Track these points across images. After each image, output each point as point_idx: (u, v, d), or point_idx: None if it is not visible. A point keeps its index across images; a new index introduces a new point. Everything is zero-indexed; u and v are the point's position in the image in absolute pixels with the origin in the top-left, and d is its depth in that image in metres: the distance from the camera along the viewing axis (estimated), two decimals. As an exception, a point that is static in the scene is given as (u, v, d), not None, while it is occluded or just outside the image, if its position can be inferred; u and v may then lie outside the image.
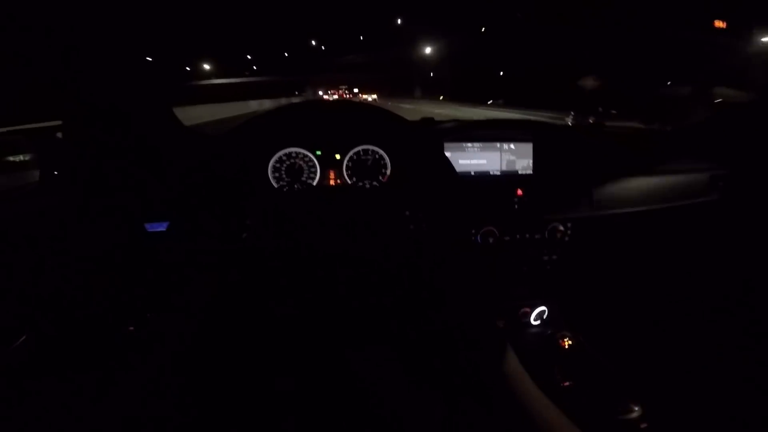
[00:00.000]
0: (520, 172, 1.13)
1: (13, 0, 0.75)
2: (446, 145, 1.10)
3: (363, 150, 1.07)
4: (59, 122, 0.95)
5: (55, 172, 0.97)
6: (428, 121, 1.25)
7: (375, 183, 1.06)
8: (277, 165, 1.04)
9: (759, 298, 1.08)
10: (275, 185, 1.04)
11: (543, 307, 1.14)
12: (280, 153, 1.04)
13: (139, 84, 1.02)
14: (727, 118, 1.33)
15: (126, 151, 0.98)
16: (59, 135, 0.97)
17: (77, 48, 0.86)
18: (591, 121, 1.45)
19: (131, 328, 0.89)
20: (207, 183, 0.96)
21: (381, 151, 1.08)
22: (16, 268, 0.75)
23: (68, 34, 0.85)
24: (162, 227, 0.96)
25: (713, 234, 1.18)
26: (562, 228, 1.08)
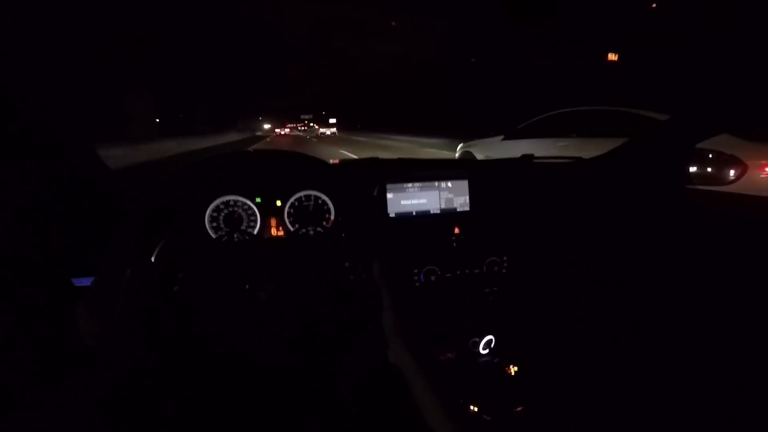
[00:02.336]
0: (458, 210, 1.19)
1: None
2: (388, 186, 1.14)
3: (305, 196, 1.08)
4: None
5: None
6: (373, 162, 1.29)
7: (319, 229, 1.07)
8: (215, 214, 1.02)
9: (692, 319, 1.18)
10: (213, 235, 1.01)
11: (490, 336, 1.18)
12: (218, 201, 1.02)
13: (64, 117, 0.96)
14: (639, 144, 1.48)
15: (51, 197, 0.91)
16: None
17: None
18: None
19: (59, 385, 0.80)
20: (137, 233, 0.91)
21: (323, 197, 1.09)
22: None
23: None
24: (87, 282, 0.89)
25: (646, 256, 1.29)
26: (499, 261, 1.15)
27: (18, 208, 0.87)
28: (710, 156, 2.67)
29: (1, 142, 0.84)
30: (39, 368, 0.78)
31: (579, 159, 1.51)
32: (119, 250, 0.89)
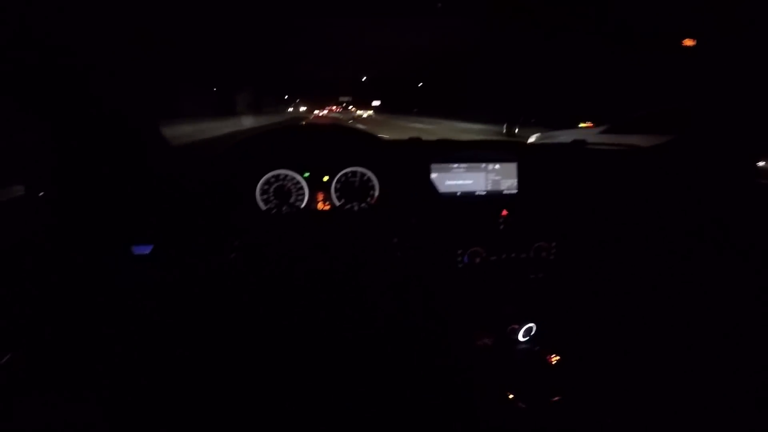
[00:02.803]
0: (504, 192, 1.16)
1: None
2: (433, 166, 1.12)
3: (351, 172, 1.09)
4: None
5: (41, 193, 0.96)
6: (416, 142, 1.28)
7: (363, 205, 1.08)
8: (266, 187, 1.05)
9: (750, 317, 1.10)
10: (263, 207, 1.05)
11: (531, 324, 1.16)
12: (269, 175, 1.05)
13: (132, 98, 1.02)
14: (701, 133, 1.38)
15: (114, 171, 0.98)
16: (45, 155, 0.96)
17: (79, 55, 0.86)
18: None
19: (118, 349, 0.88)
20: (195, 205, 0.96)
21: (369, 173, 1.09)
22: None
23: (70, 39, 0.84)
24: (147, 250, 0.95)
25: (701, 250, 1.21)
26: (547, 247, 1.11)
27: (86, 180, 0.94)
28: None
29: (74, 120, 0.91)
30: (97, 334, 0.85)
31: (637, 147, 1.42)
32: (179, 220, 0.95)
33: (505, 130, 12.61)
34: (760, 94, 1.37)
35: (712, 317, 1.15)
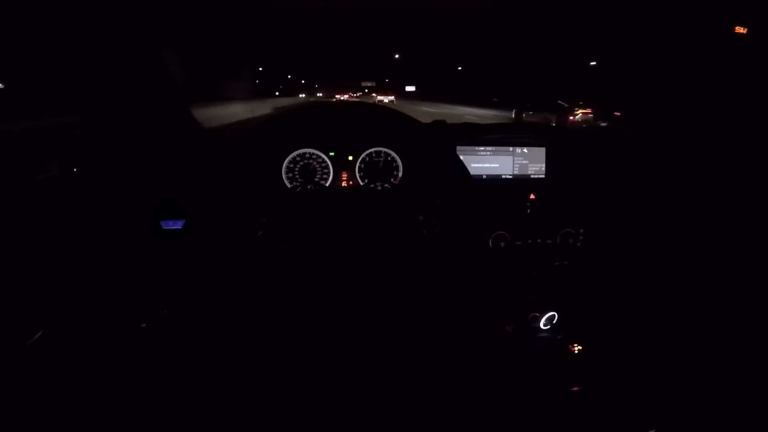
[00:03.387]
0: (532, 176, 1.12)
1: None
2: (458, 148, 1.10)
3: (375, 152, 1.08)
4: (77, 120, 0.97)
5: (75, 170, 0.99)
6: (440, 124, 1.25)
7: (386, 185, 1.07)
8: (291, 165, 1.06)
9: None
10: (288, 185, 1.05)
11: (553, 312, 1.14)
12: (294, 154, 1.06)
13: (166, 79, 1.03)
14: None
15: (146, 149, 1.00)
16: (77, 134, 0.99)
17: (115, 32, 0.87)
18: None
19: (143, 324, 0.91)
20: (224, 182, 0.97)
21: (393, 153, 1.08)
22: (33, 263, 0.77)
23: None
24: (178, 225, 0.97)
25: (731, 240, 1.16)
26: (574, 233, 1.08)
27: (118, 158, 0.96)
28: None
29: (112, 98, 0.92)
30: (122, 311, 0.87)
31: (673, 140, 1.36)
32: (209, 196, 0.96)
33: (514, 116, 13.00)
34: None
35: (739, 310, 1.11)
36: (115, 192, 0.96)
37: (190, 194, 0.97)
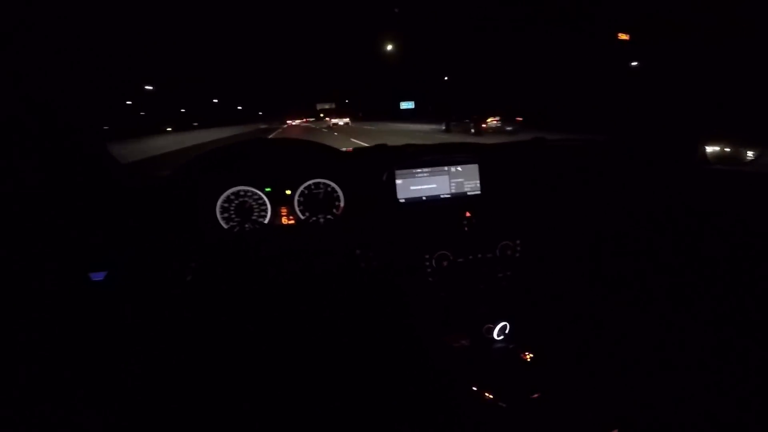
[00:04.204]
0: (469, 194, 1.17)
1: None
2: (397, 172, 1.12)
3: (314, 184, 1.07)
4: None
5: None
6: (381, 148, 1.28)
7: (329, 216, 1.06)
8: (226, 205, 1.02)
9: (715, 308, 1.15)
10: (225, 226, 1.01)
11: (504, 323, 1.16)
12: (228, 192, 1.03)
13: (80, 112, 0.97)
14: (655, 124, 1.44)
15: (63, 192, 0.93)
16: None
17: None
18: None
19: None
20: (149, 226, 0.92)
21: (333, 184, 1.08)
22: None
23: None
24: (100, 276, 0.91)
25: (662, 241, 1.25)
26: (512, 245, 1.12)
27: (33, 204, 0.89)
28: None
29: (21, 140, 0.86)
30: (55, 363, 0.80)
31: (592, 140, 1.47)
32: (133, 243, 0.91)
33: (444, 127, 17.30)
34: (704, 84, 1.45)
35: (679, 307, 1.19)
36: (34, 243, 0.88)
37: (115, 243, 0.91)
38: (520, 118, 15.19)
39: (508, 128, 14.51)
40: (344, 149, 1.25)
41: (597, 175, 1.33)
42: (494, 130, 14.61)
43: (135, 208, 0.97)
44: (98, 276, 0.90)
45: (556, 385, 1.04)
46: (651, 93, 1.56)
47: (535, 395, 1.02)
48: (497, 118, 14.95)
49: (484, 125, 14.96)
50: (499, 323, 1.16)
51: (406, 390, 0.97)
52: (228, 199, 1.02)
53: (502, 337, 1.17)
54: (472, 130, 15.39)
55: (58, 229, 0.90)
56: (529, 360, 1.10)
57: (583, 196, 1.28)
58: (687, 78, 1.46)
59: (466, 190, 1.17)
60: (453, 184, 1.16)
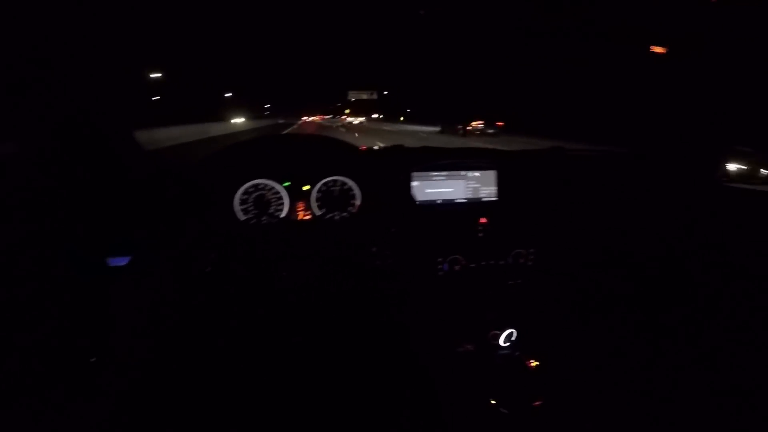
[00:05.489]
0: (484, 200, 1.17)
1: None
2: (413, 174, 1.13)
3: (332, 181, 1.09)
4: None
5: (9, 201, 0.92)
6: (397, 149, 1.28)
7: (344, 214, 1.08)
8: (245, 197, 1.04)
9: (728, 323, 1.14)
10: (242, 218, 1.04)
11: (511, 330, 1.17)
12: (248, 185, 1.05)
13: (104, 102, 1.00)
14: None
15: (87, 181, 0.95)
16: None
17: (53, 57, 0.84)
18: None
19: (93, 359, 0.85)
20: (171, 216, 0.95)
21: (350, 182, 1.10)
22: None
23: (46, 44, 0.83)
24: (123, 262, 0.93)
25: (679, 254, 1.24)
26: (525, 253, 1.12)
27: (56, 190, 0.92)
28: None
29: (47, 127, 0.89)
30: (69, 351, 0.83)
31: (612, 152, 1.46)
32: (155, 230, 0.93)
33: (439, 129, 19.78)
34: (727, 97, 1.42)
35: (691, 320, 1.18)
36: (56, 228, 0.91)
37: (138, 230, 0.93)
38: (502, 123, 17.07)
39: (490, 131, 16.62)
40: (361, 147, 1.27)
41: (616, 187, 1.32)
42: (481, 133, 16.52)
43: (158, 195, 1.00)
44: (120, 261, 0.93)
45: (558, 393, 1.05)
46: (676, 107, 1.54)
47: (537, 402, 1.02)
48: (482, 122, 16.75)
49: (469, 127, 16.82)
50: (506, 330, 1.16)
51: (408, 392, 0.98)
52: (247, 192, 1.04)
53: (507, 344, 1.18)
54: (460, 132, 17.10)
55: (79, 216, 0.92)
56: (534, 367, 1.10)
57: (601, 207, 1.27)
58: (713, 93, 1.44)
59: (482, 195, 1.17)
60: (469, 189, 1.16)
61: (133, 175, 1.04)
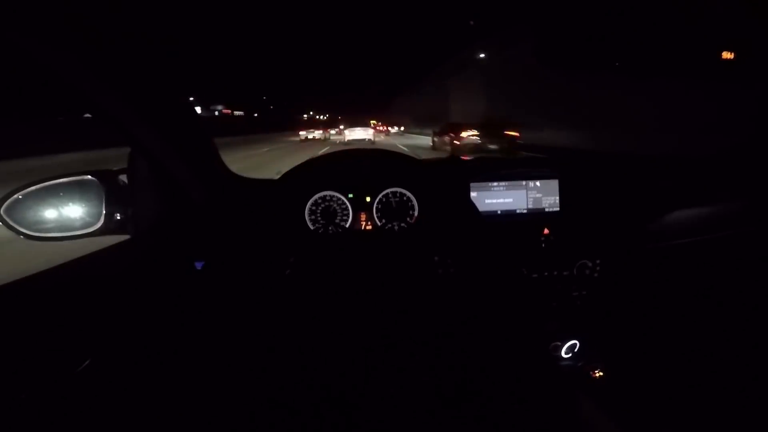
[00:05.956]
0: (546, 210, 1.15)
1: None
2: (472, 185, 1.14)
3: (391, 192, 1.13)
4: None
5: (117, 216, 1.05)
6: (455, 161, 1.30)
7: (403, 225, 1.12)
8: (313, 208, 1.12)
9: None
10: (311, 227, 1.11)
11: (574, 341, 1.15)
12: (317, 196, 1.12)
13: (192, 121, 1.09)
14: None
15: (180, 192, 1.06)
16: (122, 178, 1.06)
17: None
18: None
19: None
20: (249, 226, 1.04)
21: (408, 193, 1.13)
22: (79, 299, 0.82)
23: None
24: (200, 265, 1.03)
25: (750, 266, 1.16)
26: (590, 264, 1.10)
27: (153, 200, 1.03)
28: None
29: (142, 142, 1.00)
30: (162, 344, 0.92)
31: (685, 157, 1.37)
32: (238, 237, 1.03)
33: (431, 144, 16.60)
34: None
35: (761, 335, 1.10)
36: (154, 234, 1.02)
37: (214, 235, 1.03)
38: (514, 133, 11.92)
39: (492, 146, 11.60)
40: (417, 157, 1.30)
41: (687, 195, 1.24)
42: (474, 147, 11.76)
43: (241, 207, 1.09)
44: (198, 264, 1.03)
45: (621, 404, 1.02)
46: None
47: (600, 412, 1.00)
48: (474, 132, 12.10)
49: (457, 142, 12.18)
50: (567, 341, 1.15)
51: (472, 404, 1.00)
52: (315, 203, 1.12)
53: (570, 355, 1.16)
54: (448, 147, 12.50)
55: (171, 224, 1.03)
56: (598, 378, 1.08)
57: (671, 216, 1.21)
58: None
59: (544, 206, 1.15)
60: (530, 200, 1.15)
61: (218, 189, 1.15)
